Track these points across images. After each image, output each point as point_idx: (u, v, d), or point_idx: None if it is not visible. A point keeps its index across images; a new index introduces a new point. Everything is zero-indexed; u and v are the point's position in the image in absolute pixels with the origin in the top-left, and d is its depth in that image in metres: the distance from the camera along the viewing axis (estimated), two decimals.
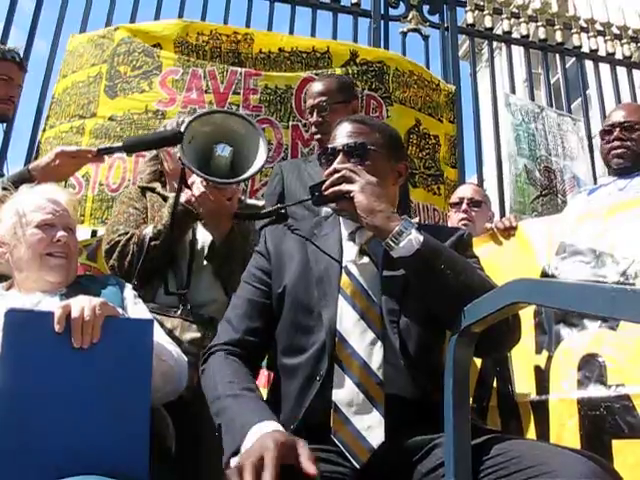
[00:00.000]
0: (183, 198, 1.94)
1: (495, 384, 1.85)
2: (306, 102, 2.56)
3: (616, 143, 2.45)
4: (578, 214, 1.92)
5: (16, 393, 1.16)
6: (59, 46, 3.66)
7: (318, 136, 2.47)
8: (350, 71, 3.37)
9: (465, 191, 2.82)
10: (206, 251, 2.01)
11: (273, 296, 1.41)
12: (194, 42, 3.31)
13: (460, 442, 1.12)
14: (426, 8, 4.26)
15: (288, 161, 2.91)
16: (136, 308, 1.64)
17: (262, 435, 1.06)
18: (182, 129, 1.81)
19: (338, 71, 3.34)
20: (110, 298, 1.52)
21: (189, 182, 1.95)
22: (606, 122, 2.61)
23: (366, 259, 1.40)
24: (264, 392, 1.44)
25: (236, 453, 1.09)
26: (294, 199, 2.36)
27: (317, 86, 2.51)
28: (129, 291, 1.70)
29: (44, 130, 3.30)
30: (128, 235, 1.98)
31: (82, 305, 1.24)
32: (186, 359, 1.57)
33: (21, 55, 2.52)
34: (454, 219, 2.77)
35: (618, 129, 2.45)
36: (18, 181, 1.90)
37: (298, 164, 2.59)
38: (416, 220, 2.23)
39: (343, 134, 1.48)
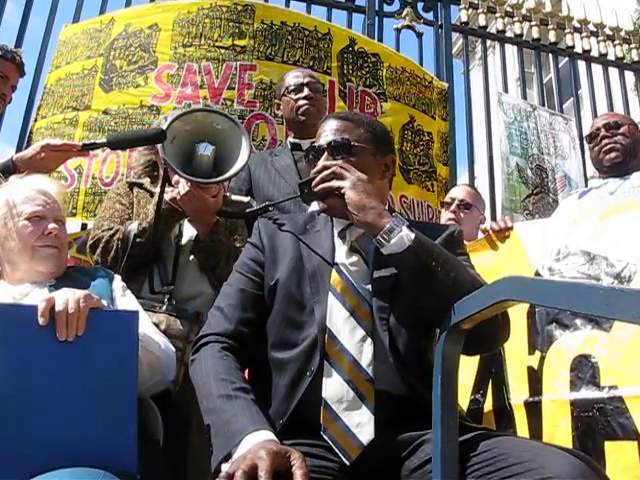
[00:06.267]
0: (168, 196, 1.93)
1: (490, 386, 1.84)
2: (288, 81, 2.58)
3: (605, 141, 2.51)
4: (573, 217, 1.92)
5: (1, 387, 1.15)
6: (52, 34, 3.63)
7: (303, 117, 2.48)
8: (346, 59, 3.38)
9: (458, 192, 2.84)
10: (191, 246, 2.01)
11: (265, 288, 1.41)
12: (194, 17, 3.26)
13: (448, 438, 1.12)
14: (420, 5, 4.27)
15: (254, 154, 2.83)
16: (124, 300, 1.64)
17: (255, 444, 1.06)
18: (164, 128, 1.80)
19: (335, 57, 3.37)
20: (99, 290, 1.52)
21: (174, 181, 1.95)
22: (590, 129, 2.69)
23: (357, 256, 1.40)
24: None
25: (227, 458, 1.09)
26: (261, 193, 2.38)
27: (306, 71, 2.63)
28: (118, 282, 1.69)
29: (35, 120, 3.28)
30: (112, 231, 1.98)
31: (66, 298, 1.23)
32: (173, 349, 1.57)
33: (22, 60, 2.58)
34: (443, 218, 2.80)
35: (604, 130, 2.52)
36: (2, 172, 1.89)
37: (264, 157, 2.58)
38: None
39: (328, 131, 1.48)
